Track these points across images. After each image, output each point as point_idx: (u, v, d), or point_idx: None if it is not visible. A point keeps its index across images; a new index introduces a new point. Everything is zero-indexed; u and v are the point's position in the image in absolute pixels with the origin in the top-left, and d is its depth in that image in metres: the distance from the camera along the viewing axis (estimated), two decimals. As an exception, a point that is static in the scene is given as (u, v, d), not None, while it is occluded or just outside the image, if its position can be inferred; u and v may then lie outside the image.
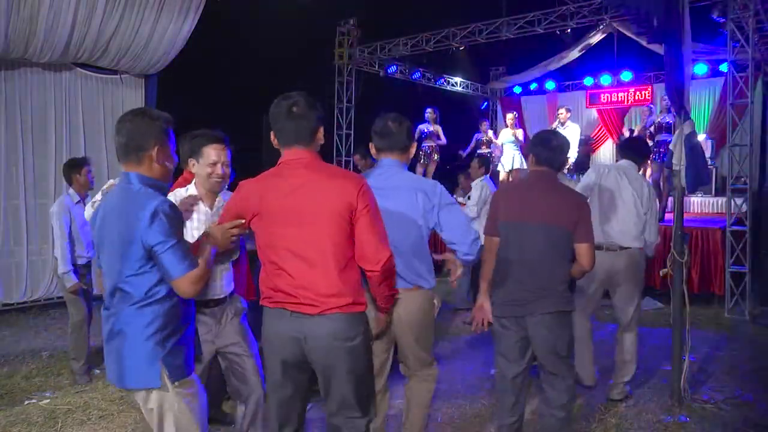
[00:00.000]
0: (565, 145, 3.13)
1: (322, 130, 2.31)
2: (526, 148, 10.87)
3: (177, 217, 2.09)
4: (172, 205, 2.09)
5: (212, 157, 2.77)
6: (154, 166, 2.12)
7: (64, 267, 4.39)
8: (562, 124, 9.82)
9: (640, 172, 4.33)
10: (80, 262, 4.56)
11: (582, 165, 9.53)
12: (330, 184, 2.22)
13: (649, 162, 8.77)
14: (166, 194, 2.20)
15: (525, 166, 10.31)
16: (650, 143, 8.37)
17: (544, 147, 3.06)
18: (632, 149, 4.38)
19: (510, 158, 10.20)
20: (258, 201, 2.27)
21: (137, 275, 2.04)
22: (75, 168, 4.56)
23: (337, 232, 2.18)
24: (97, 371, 4.66)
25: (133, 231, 2.01)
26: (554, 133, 3.38)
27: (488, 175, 6.73)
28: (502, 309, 3.02)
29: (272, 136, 2.32)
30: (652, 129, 8.91)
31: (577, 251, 2.95)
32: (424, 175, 9.99)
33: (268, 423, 2.65)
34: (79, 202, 4.53)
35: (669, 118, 7.99)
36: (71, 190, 4.56)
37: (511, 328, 3.01)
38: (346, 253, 2.21)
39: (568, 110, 10.00)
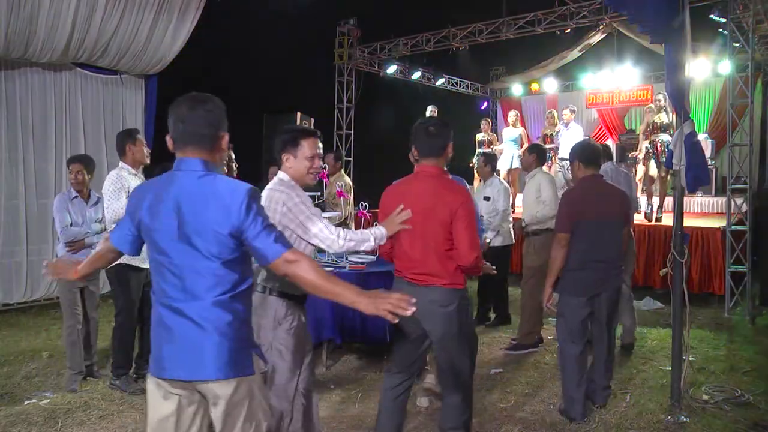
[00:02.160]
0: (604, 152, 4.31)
1: (451, 145, 3.03)
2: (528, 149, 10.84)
3: (260, 200, 2.09)
4: (256, 189, 2.07)
5: (311, 150, 2.80)
6: (218, 154, 2.11)
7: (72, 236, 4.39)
8: (566, 125, 9.71)
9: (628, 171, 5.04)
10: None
11: None
12: (442, 196, 2.89)
13: (641, 160, 8.78)
14: None
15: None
16: (647, 143, 8.38)
17: (595, 154, 3.98)
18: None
19: (509, 158, 10.11)
20: (398, 200, 2.96)
21: (229, 263, 1.99)
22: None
23: (441, 232, 2.86)
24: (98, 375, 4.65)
25: (226, 218, 1.96)
26: (594, 143, 4.59)
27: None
28: (580, 290, 3.78)
29: (413, 149, 3.07)
30: (649, 129, 8.89)
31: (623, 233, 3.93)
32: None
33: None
34: (75, 197, 4.49)
35: (664, 118, 7.97)
36: (72, 189, 4.52)
37: (581, 307, 3.78)
38: (446, 246, 2.87)
39: (572, 111, 9.84)
